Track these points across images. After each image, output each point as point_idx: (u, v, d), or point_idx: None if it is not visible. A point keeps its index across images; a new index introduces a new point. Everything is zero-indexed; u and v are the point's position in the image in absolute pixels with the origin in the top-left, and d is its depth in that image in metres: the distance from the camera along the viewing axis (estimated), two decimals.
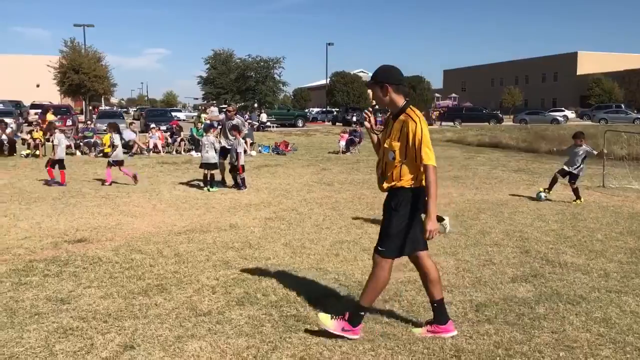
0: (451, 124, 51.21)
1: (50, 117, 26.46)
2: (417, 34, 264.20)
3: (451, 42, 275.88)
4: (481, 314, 4.92)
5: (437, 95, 79.39)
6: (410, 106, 4.27)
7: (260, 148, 22.32)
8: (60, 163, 12.44)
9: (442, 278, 5.86)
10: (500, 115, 56.51)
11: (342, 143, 22.45)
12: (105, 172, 12.77)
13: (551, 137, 29.19)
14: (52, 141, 12.70)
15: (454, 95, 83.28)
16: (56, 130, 13.24)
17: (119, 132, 14.05)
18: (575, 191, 10.68)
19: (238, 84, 45.32)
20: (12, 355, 4.04)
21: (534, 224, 8.74)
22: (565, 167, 10.91)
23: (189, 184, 12.92)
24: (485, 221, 8.91)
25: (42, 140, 19.62)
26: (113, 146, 12.91)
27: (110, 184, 12.36)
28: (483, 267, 6.38)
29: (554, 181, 10.97)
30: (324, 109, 66.12)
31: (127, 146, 20.30)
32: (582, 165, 10.80)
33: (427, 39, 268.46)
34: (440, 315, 4.46)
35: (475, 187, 12.78)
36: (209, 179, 11.96)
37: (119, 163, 12.75)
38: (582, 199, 10.60)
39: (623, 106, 59.39)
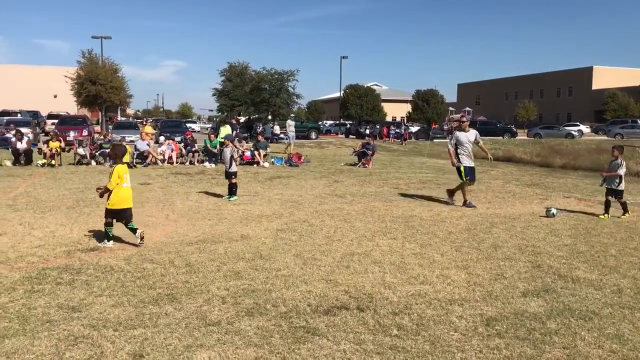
0: None
1: (148, 129, 26.33)
2: (431, 48, 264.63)
3: (466, 56, 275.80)
4: (492, 328, 4.88)
5: (450, 108, 79.21)
6: None
7: (273, 160, 22.39)
8: None
9: (452, 292, 5.87)
10: (514, 130, 56.21)
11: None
12: None
13: (565, 152, 29.04)
14: None
15: (467, 108, 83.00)
16: None
17: None
18: (624, 205, 10.70)
19: (252, 96, 45.51)
20: None
21: (546, 238, 8.68)
22: (610, 186, 10.70)
23: (202, 194, 12.99)
24: (497, 235, 8.86)
25: (58, 150, 19.84)
26: None
27: None
28: (494, 281, 6.34)
29: (608, 204, 10.70)
30: (338, 122, 66.25)
31: (142, 156, 20.49)
32: (622, 180, 10.63)
33: (441, 53, 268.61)
34: None
35: (488, 201, 12.72)
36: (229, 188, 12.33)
37: None
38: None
39: (639, 121, 58.83)
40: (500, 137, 51.27)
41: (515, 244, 8.21)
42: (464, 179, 11.68)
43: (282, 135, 40.06)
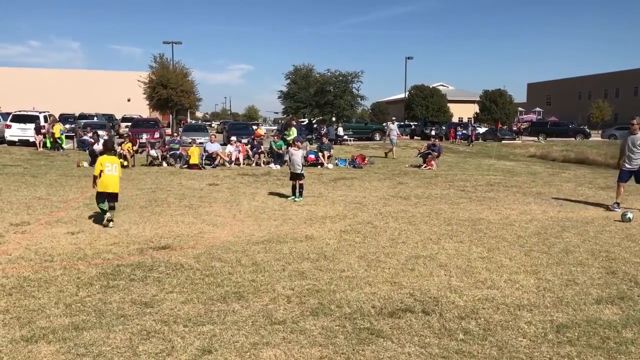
0: (535, 138, 49.56)
1: (260, 131, 27.15)
2: (499, 47, 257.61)
3: (536, 55, 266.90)
4: (562, 335, 4.73)
5: (520, 109, 77.12)
6: None
7: (337, 161, 22.47)
8: None
9: (521, 297, 5.72)
10: (588, 131, 54.02)
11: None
12: None
13: None
14: None
15: (538, 109, 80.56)
16: None
17: None
18: None
19: (317, 98, 45.78)
20: (100, 353, 4.28)
21: (622, 244, 8.31)
22: None
23: (267, 195, 13.20)
24: (569, 240, 8.56)
25: (132, 151, 20.63)
26: None
27: None
28: (565, 287, 6.14)
29: None
30: (402, 123, 65.73)
31: (211, 158, 21.03)
32: None
33: (510, 52, 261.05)
34: None
35: (560, 204, 12.30)
36: (299, 189, 12.53)
37: None
38: None
39: None
40: (573, 139, 49.50)
41: (588, 249, 7.91)
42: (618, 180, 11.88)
43: (345, 137, 40.13)
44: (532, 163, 26.96)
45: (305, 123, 42.55)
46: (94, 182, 9.30)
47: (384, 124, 31.48)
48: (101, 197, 9.21)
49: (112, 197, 9.29)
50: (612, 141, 46.18)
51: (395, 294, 5.82)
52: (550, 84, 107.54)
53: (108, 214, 9.10)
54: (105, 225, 8.97)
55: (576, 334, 4.76)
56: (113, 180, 9.25)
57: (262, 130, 27.24)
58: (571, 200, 12.80)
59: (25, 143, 28.07)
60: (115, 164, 9.33)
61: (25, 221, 9.43)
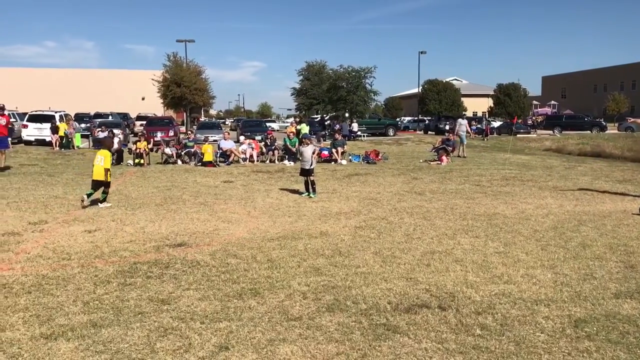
0: (550, 132, 49.13)
1: (292, 128, 26.58)
2: (513, 40, 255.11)
3: (551, 48, 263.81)
4: (581, 330, 4.69)
5: (535, 102, 76.44)
6: None
7: (351, 157, 22.44)
8: None
9: (538, 291, 5.68)
10: (604, 123, 53.43)
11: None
12: None
13: None
14: None
15: (553, 102, 79.83)
16: None
17: None
18: None
19: (330, 94, 45.74)
20: (118, 350, 4.32)
21: None
22: None
23: (282, 191, 13.22)
24: (586, 234, 8.48)
25: (147, 149, 20.72)
26: None
27: None
28: (583, 281, 6.09)
29: None
30: (416, 118, 65.46)
31: (225, 155, 21.10)
32: None
33: (524, 45, 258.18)
34: None
35: (576, 198, 12.19)
36: (311, 185, 12.56)
37: None
38: None
39: None
40: (589, 132, 48.98)
41: (606, 243, 7.84)
42: None
43: (359, 133, 40.07)
44: (547, 157, 26.73)
45: (317, 119, 42.54)
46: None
47: (398, 120, 31.23)
48: (92, 183, 11.06)
49: (95, 184, 10.92)
50: (628, 134, 45.65)
51: (411, 289, 5.81)
52: (565, 76, 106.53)
53: (86, 197, 10.79)
54: (83, 202, 10.71)
55: (595, 328, 4.72)
56: (96, 169, 10.91)
57: (293, 128, 25.77)
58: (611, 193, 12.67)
59: (41, 142, 28.35)
60: (102, 156, 10.92)
61: (43, 220, 9.52)
